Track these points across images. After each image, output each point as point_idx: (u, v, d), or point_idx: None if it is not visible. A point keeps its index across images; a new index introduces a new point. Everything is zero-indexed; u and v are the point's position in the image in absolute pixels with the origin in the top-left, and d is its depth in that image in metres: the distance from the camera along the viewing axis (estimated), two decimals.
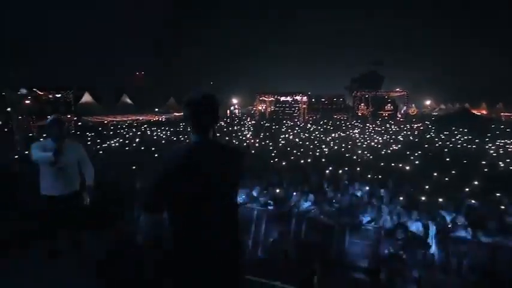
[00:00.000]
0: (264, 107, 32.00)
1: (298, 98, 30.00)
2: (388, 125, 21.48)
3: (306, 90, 31.30)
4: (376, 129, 18.81)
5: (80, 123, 21.28)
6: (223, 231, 1.42)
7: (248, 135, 15.09)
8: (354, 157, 9.20)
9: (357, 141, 13.23)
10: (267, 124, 22.24)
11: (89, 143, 12.73)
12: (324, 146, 11.09)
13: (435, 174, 6.66)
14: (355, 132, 16.87)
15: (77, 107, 24.94)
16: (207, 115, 1.44)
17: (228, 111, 38.35)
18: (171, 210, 1.35)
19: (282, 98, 31.25)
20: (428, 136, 15.38)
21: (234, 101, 41.46)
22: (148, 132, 16.21)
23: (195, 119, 1.44)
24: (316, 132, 16.67)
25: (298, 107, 29.93)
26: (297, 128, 19.14)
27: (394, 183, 6.05)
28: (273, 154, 9.45)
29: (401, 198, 5.11)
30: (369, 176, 6.29)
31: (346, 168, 6.92)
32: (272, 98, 31.78)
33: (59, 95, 22.29)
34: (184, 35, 38.85)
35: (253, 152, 9.43)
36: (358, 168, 7.00)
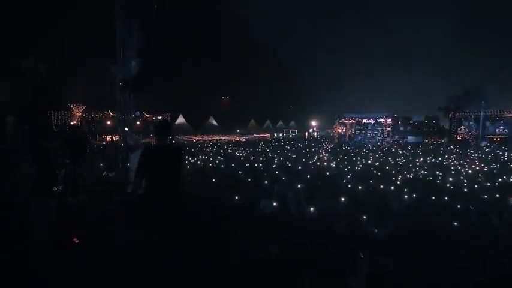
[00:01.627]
0: (343, 130, 30.86)
1: (381, 120, 27.96)
2: (499, 152, 17.94)
3: (391, 112, 28.96)
4: (481, 156, 15.94)
5: (173, 141, 24.51)
6: (167, 189, 2.82)
7: (324, 158, 14.77)
8: (448, 184, 8.01)
9: (452, 168, 11.44)
10: (346, 147, 21.36)
11: None
12: (405, 172, 10.00)
13: None
14: (451, 159, 14.65)
15: (173, 127, 28.88)
16: (161, 131, 2.98)
17: (306, 134, 38.26)
18: (145, 177, 2.82)
19: (364, 121, 29.61)
20: None
21: (313, 123, 41.20)
22: (230, 151, 17.49)
23: (155, 133, 3.04)
24: (402, 157, 15.15)
25: (382, 129, 27.82)
26: (379, 152, 17.78)
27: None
28: (348, 176, 9.02)
29: None
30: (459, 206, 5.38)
31: (433, 198, 6.09)
32: (353, 121, 30.45)
33: (160, 117, 26.29)
34: (264, 61, 41.31)
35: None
36: (446, 198, 6.06)
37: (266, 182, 8.17)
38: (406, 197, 6.08)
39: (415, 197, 6.18)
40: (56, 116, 23.28)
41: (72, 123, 23.49)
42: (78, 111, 23.82)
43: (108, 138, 24.03)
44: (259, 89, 42.08)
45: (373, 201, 6.08)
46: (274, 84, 42.20)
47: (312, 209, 6.19)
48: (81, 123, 23.99)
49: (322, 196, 6.71)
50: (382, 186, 7.80)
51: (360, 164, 12.43)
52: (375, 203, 5.92)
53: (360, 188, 7.47)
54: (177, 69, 30.49)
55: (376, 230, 5.28)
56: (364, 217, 5.17)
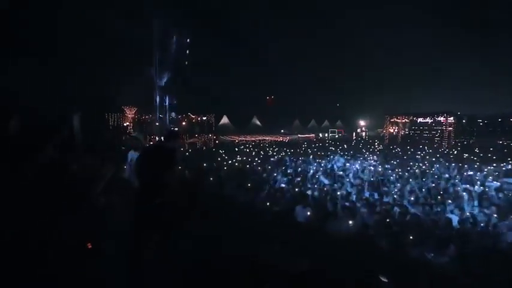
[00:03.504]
0: (395, 130, 28.34)
1: (441, 119, 24.95)
2: None
3: (453, 110, 25.64)
4: None
5: (217, 141, 24.96)
6: (156, 181, 3.00)
7: (372, 162, 13.52)
8: None
9: None
10: (396, 149, 19.47)
11: (219, 158, 14.54)
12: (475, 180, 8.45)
13: None
14: None
15: (217, 127, 29.42)
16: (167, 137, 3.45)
17: (354, 134, 36.08)
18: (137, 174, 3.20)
19: (420, 120, 26.78)
20: None
21: (362, 123, 38.69)
22: (270, 152, 17.04)
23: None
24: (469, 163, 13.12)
25: (442, 129, 24.82)
26: (437, 155, 15.77)
27: None
28: (398, 184, 7.95)
29: None
30: None
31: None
32: (406, 120, 27.77)
33: (205, 118, 26.91)
34: (309, 59, 39.93)
35: None
36: None
37: (303, 188, 7.58)
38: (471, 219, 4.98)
39: (486, 218, 5.04)
40: (112, 118, 25.33)
41: (125, 124, 25.39)
42: (130, 113, 25.62)
43: (157, 137, 25.40)
44: (304, 87, 40.87)
45: (428, 219, 5.11)
46: (319, 82, 40.59)
47: (350, 222, 5.47)
48: (133, 124, 25.73)
49: (365, 208, 5.93)
50: (439, 198, 6.67)
51: (410, 169, 11.01)
52: (430, 222, 4.96)
53: (411, 199, 6.46)
54: (222, 70, 30.98)
55: (431, 255, 4.41)
56: (412, 237, 4.32)
